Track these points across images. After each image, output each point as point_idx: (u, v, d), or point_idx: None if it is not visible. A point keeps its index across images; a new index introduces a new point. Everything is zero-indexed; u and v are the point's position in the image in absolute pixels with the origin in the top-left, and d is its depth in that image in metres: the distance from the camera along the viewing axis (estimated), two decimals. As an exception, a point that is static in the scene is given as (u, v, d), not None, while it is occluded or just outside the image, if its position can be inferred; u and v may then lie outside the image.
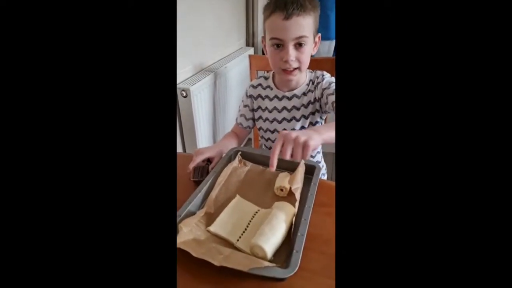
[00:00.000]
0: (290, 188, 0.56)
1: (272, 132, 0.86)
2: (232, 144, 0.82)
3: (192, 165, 0.65)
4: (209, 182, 0.58)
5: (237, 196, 0.57)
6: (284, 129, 0.83)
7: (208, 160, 0.69)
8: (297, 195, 0.54)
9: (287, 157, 0.47)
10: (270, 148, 0.88)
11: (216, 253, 0.43)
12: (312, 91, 0.79)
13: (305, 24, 0.66)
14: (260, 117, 0.87)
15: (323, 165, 0.93)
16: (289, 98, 0.80)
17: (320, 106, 0.78)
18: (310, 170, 0.62)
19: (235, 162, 0.65)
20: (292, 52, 0.68)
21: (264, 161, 0.67)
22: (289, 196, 0.57)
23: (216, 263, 0.41)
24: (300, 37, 0.67)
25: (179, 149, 1.35)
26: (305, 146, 0.47)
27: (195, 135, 1.29)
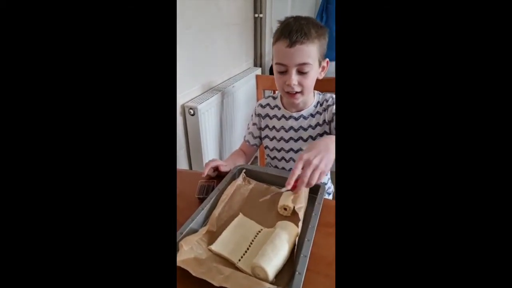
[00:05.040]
0: (294, 207, 0.55)
1: (279, 151, 0.86)
2: (239, 161, 0.83)
3: (206, 170, 0.66)
4: (212, 200, 0.58)
5: (240, 215, 0.56)
6: (291, 149, 0.84)
7: (215, 177, 0.70)
8: (301, 215, 0.53)
9: (305, 182, 0.51)
10: (275, 166, 0.88)
11: (217, 273, 0.42)
12: (320, 113, 0.80)
13: (308, 52, 0.68)
14: (266, 136, 0.88)
15: (329, 186, 0.92)
16: (296, 119, 0.82)
17: (330, 129, 0.79)
18: (314, 189, 0.61)
19: (239, 180, 0.65)
20: (294, 77, 0.70)
21: (268, 179, 0.66)
22: (293, 216, 0.56)
23: (215, 283, 0.40)
24: (303, 64, 0.69)
25: (185, 166, 1.35)
26: (322, 172, 0.52)
27: (201, 152, 1.30)
